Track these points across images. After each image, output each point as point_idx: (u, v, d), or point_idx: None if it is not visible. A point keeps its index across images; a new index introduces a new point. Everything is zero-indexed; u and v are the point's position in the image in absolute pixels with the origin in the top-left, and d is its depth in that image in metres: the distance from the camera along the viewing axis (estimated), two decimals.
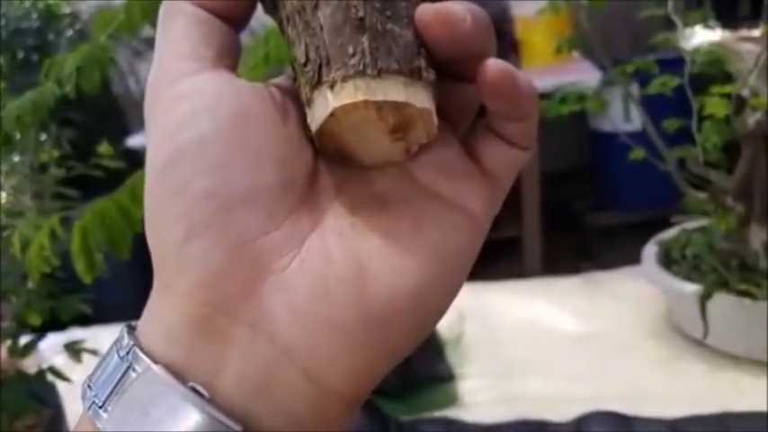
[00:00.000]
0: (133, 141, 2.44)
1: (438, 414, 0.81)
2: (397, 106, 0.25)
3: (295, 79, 0.27)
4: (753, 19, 0.96)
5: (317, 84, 0.25)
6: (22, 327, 0.66)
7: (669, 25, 0.88)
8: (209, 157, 0.25)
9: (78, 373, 0.82)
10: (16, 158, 0.80)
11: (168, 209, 0.25)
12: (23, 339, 0.67)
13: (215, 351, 0.24)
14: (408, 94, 0.25)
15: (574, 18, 0.92)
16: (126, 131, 2.57)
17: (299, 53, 0.26)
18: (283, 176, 0.26)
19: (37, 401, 0.65)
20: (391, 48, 0.25)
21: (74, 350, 0.67)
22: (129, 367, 0.24)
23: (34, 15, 2.27)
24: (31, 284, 0.59)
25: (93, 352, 0.69)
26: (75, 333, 0.90)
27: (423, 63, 0.25)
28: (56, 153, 0.83)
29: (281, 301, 0.25)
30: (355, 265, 0.25)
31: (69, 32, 2.34)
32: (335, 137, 0.26)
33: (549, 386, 0.83)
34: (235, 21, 0.28)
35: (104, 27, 0.62)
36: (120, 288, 2.22)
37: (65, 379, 0.66)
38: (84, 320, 1.07)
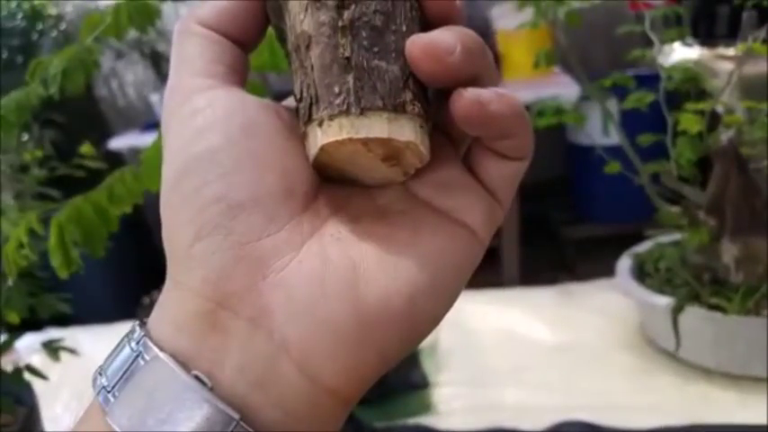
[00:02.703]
0: (115, 144, 2.43)
1: (411, 421, 0.81)
2: (382, 141, 0.26)
3: (297, 109, 0.28)
4: (729, 37, 0.98)
5: (307, 121, 0.27)
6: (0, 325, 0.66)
7: (647, 42, 0.90)
8: (219, 166, 0.26)
9: (55, 374, 0.82)
10: None
11: (180, 213, 0.27)
12: (0, 337, 0.67)
13: (217, 343, 0.26)
14: (392, 130, 0.26)
15: (553, 33, 0.93)
16: (108, 134, 2.56)
17: (296, 89, 0.28)
18: (286, 185, 0.27)
19: (12, 400, 0.65)
20: (376, 85, 0.26)
21: (51, 348, 0.66)
22: (138, 355, 0.26)
23: (20, 16, 2.25)
24: (10, 282, 0.58)
25: (72, 350, 0.69)
26: (52, 333, 0.89)
27: (409, 97, 0.26)
28: (38, 153, 0.83)
29: (279, 298, 0.26)
30: (351, 267, 0.27)
31: (54, 33, 2.32)
32: (332, 166, 0.28)
33: (523, 395, 0.84)
34: (244, 43, 0.30)
35: (91, 29, 0.62)
36: (98, 290, 2.22)
37: (42, 377, 0.65)
38: (61, 322, 1.06)
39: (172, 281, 0.27)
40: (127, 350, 0.26)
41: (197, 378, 0.25)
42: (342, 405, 0.27)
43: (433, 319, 0.28)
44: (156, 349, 0.25)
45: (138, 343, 0.26)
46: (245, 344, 0.26)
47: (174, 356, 0.25)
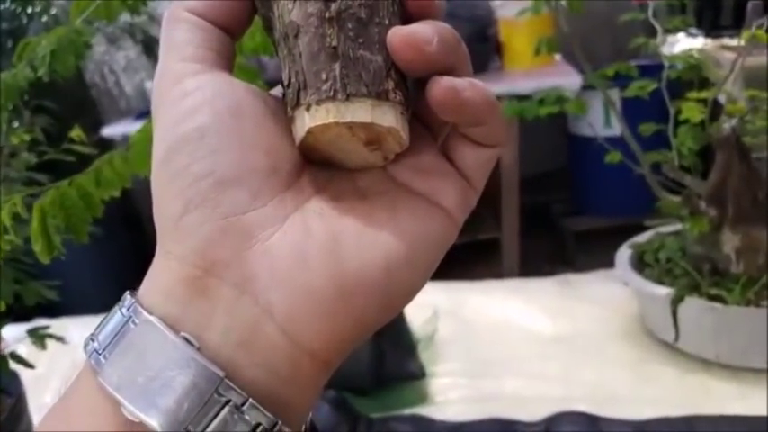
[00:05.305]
0: (108, 131, 2.42)
1: (408, 412, 0.81)
2: (365, 126, 0.28)
3: (284, 95, 0.30)
4: (734, 28, 0.96)
5: (295, 105, 0.29)
6: None
7: (650, 32, 0.89)
8: (207, 144, 0.28)
9: (44, 364, 0.81)
10: None
11: (170, 188, 0.29)
12: None
13: (204, 307, 0.28)
14: (375, 116, 0.28)
15: (555, 21, 0.92)
16: (100, 122, 2.55)
17: (284, 75, 0.30)
18: (271, 163, 0.29)
19: None
20: (361, 73, 0.28)
21: (38, 335, 0.65)
22: (128, 320, 0.28)
23: None
24: None
25: (59, 338, 0.68)
26: (39, 323, 0.88)
27: (391, 85, 0.29)
28: (26, 137, 0.82)
29: (263, 266, 0.28)
30: (332, 239, 0.29)
31: (44, 18, 2.31)
32: (317, 149, 0.30)
33: (521, 386, 0.84)
34: (231, 31, 0.32)
35: (81, 11, 0.61)
36: (88, 282, 2.21)
37: (27, 365, 0.65)
38: (50, 312, 1.05)
39: (161, 251, 0.29)
40: (118, 316, 0.28)
41: (185, 339, 0.27)
42: (322, 367, 0.29)
43: (407, 291, 0.30)
44: (145, 313, 0.27)
45: (128, 309, 0.28)
46: (230, 307, 0.28)
47: (163, 320, 0.27)
